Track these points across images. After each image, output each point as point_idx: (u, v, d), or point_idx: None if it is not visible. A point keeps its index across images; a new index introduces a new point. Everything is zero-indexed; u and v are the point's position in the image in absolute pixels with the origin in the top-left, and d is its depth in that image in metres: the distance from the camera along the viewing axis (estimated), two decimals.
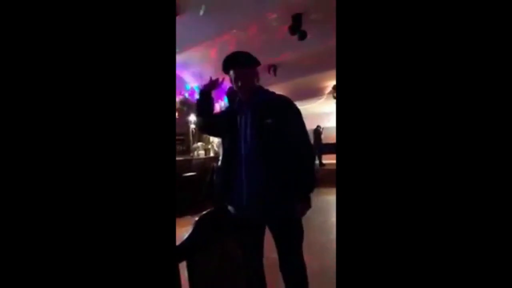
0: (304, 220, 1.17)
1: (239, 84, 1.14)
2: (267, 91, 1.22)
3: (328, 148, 7.49)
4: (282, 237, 1.15)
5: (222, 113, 1.33)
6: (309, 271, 1.19)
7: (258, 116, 1.12)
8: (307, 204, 1.13)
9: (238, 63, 1.14)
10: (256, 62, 1.17)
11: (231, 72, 1.15)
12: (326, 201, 3.96)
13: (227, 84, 1.31)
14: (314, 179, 1.15)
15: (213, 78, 1.24)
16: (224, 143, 1.24)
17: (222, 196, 1.18)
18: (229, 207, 1.16)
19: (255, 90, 1.17)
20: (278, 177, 1.09)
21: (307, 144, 1.18)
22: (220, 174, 1.26)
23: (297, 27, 3.38)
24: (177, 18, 2.93)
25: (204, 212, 0.68)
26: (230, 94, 1.49)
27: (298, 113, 1.18)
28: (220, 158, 1.29)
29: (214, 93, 1.27)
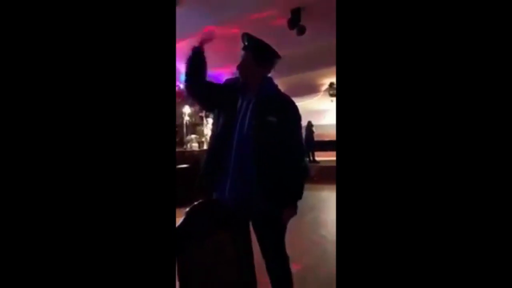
0: (295, 216, 1.15)
1: (239, 69, 1.13)
2: (275, 86, 1.18)
3: (323, 145, 7.54)
4: (263, 234, 1.12)
5: (222, 85, 1.23)
6: (298, 268, 1.18)
7: (262, 110, 1.09)
8: (293, 211, 1.12)
9: (243, 43, 1.13)
10: (256, 51, 1.11)
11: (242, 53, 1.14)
12: (318, 197, 4.00)
13: (224, 75, 1.28)
14: (303, 187, 1.13)
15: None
16: (217, 122, 1.17)
17: (206, 180, 1.14)
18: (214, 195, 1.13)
19: (262, 81, 1.14)
20: (266, 176, 1.07)
21: (301, 151, 1.17)
22: (207, 157, 1.18)
23: (296, 22, 3.36)
24: (176, 8, 2.87)
25: (195, 203, 0.67)
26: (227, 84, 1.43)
27: (299, 119, 1.17)
28: (210, 137, 1.20)
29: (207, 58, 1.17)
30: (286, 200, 1.10)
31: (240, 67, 1.12)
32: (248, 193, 1.06)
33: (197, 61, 1.15)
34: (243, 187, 1.07)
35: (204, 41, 1.16)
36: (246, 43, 1.12)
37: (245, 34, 1.12)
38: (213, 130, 1.24)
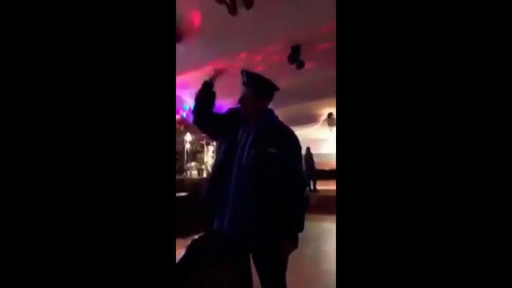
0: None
1: (241, 103, 1.18)
2: (276, 117, 1.22)
3: (322, 175, 7.50)
4: (263, 267, 1.09)
5: (226, 114, 1.27)
6: None
7: (262, 141, 1.11)
8: (293, 245, 1.10)
9: (243, 79, 1.18)
10: (255, 86, 1.16)
11: (242, 88, 1.19)
12: (318, 228, 3.89)
13: (226, 106, 1.32)
14: (303, 220, 1.12)
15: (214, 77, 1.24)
16: (219, 150, 1.20)
17: (206, 209, 1.14)
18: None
19: (263, 113, 1.18)
20: (266, 208, 1.06)
21: (302, 183, 1.18)
22: (208, 186, 1.19)
23: (295, 57, 3.55)
24: (182, 42, 3.05)
25: (196, 237, 0.68)
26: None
27: (299, 150, 1.19)
28: (211, 167, 1.24)
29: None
30: (286, 232, 1.09)
31: (241, 101, 1.18)
32: (247, 225, 1.05)
33: (207, 94, 1.22)
34: (242, 218, 1.05)
35: (216, 75, 1.24)
36: (245, 79, 1.18)
37: (243, 71, 1.18)
38: (215, 158, 1.26)
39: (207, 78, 1.24)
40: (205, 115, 1.23)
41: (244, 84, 1.18)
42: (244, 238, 1.05)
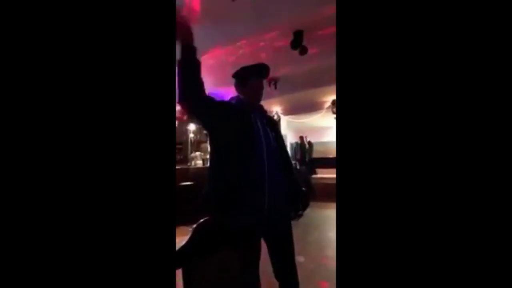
0: (300, 235, 1.20)
1: (259, 94, 1.22)
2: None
3: (326, 162, 7.50)
4: (282, 246, 1.17)
5: (226, 103, 1.17)
6: None
7: (274, 124, 1.25)
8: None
9: (264, 74, 1.23)
10: (265, 76, 1.27)
11: (254, 81, 1.18)
12: (322, 215, 3.93)
13: (230, 94, 1.32)
14: (310, 190, 1.34)
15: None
16: (229, 137, 1.05)
17: (226, 203, 1.01)
18: (229, 215, 1.06)
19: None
20: (293, 184, 1.22)
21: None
22: (226, 177, 1.04)
23: (298, 43, 3.47)
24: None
25: (201, 220, 0.68)
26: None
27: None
28: (219, 159, 1.05)
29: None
30: (297, 204, 1.27)
31: (259, 93, 1.22)
32: (283, 203, 1.15)
33: (190, 62, 0.98)
34: (279, 199, 1.12)
35: (183, 18, 1.00)
36: (264, 71, 1.23)
37: (264, 64, 1.23)
38: (220, 147, 1.11)
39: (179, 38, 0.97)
40: (198, 95, 1.00)
41: (264, 76, 1.23)
42: (281, 217, 1.15)
